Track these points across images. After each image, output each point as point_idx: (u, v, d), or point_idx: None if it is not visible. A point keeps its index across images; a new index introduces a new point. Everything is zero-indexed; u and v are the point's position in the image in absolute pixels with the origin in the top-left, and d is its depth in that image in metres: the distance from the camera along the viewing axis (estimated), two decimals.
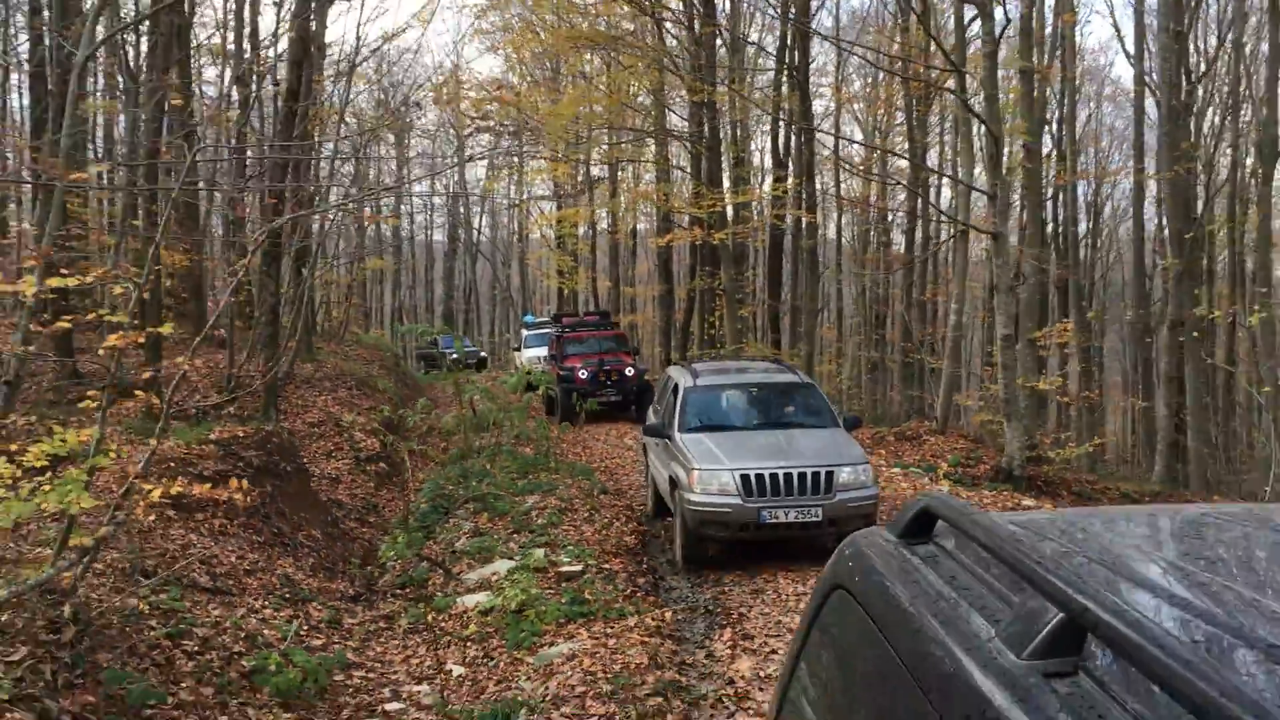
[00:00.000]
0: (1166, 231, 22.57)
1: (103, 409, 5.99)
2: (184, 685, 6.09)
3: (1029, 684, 1.08)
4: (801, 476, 9.66)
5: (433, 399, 24.56)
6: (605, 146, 32.17)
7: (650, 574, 9.82)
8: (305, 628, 8.22)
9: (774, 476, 9.65)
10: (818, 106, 35.30)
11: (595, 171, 39.24)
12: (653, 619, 7.87)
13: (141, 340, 6.62)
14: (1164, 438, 20.71)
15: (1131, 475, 24.03)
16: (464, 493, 13.13)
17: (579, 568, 9.23)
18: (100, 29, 9.05)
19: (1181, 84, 25.14)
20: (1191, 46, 27.82)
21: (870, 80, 35.31)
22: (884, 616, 1.52)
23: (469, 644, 7.94)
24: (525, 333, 29.67)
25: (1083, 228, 37.94)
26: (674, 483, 10.47)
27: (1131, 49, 26.44)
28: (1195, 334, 20.13)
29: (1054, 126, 31.10)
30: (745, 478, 9.66)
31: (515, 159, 40.39)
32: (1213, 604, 1.21)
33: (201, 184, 8.97)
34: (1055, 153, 30.35)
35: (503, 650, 7.61)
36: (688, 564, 10.24)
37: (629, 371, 21.73)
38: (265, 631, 7.60)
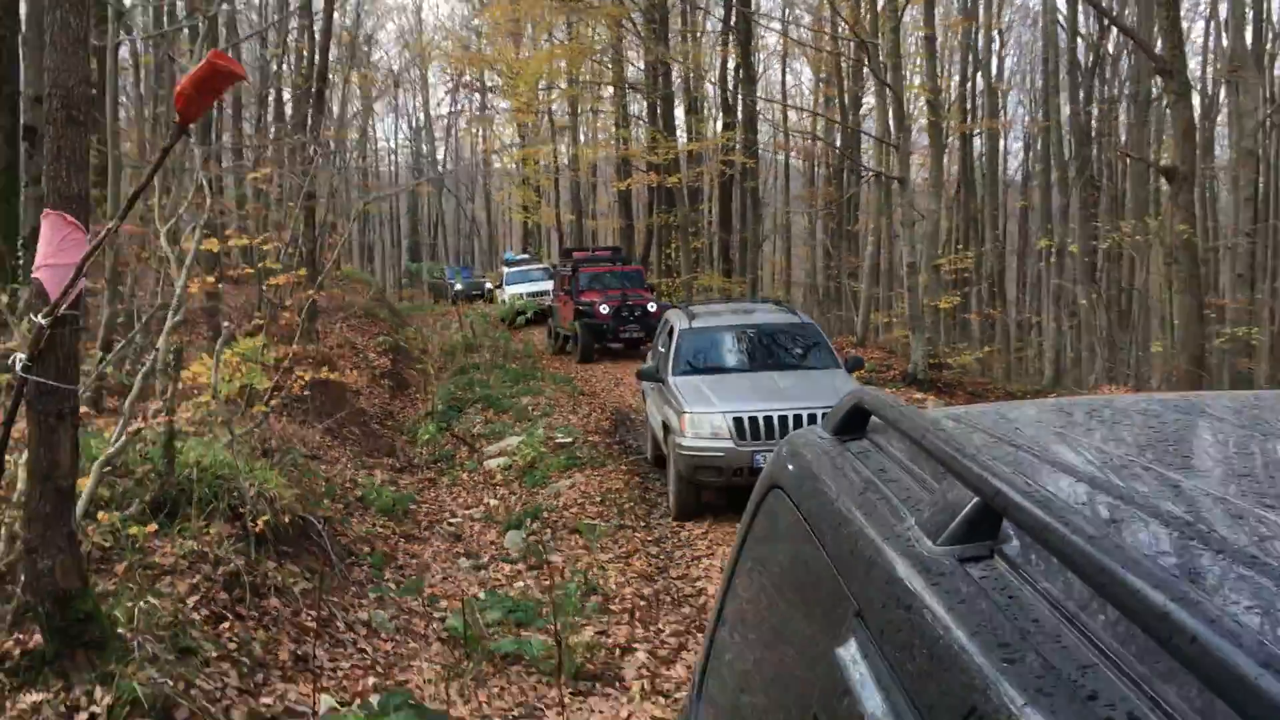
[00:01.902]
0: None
1: (266, 324, 9.26)
2: (326, 503, 9.47)
3: (944, 568, 1.09)
4: (797, 418, 9.18)
5: (420, 325, 27.93)
6: (566, 92, 34.96)
7: (621, 443, 13.25)
8: (380, 481, 11.62)
9: (768, 419, 9.28)
10: (769, 40, 38.47)
11: (559, 120, 41.86)
12: (626, 466, 11.40)
13: (292, 281, 9.90)
14: (1052, 346, 24.47)
15: (1029, 379, 27.79)
16: (471, 396, 16.50)
17: (570, 440, 12.71)
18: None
19: (1087, 34, 28.58)
20: None
21: (816, 20, 38.48)
22: (813, 511, 1.54)
23: (497, 487, 11.40)
24: (506, 269, 32.55)
25: (1015, 161, 41.82)
26: (666, 428, 10.10)
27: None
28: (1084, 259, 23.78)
29: (985, 71, 34.61)
30: (738, 420, 9.30)
31: (480, 113, 42.91)
32: (1128, 484, 1.23)
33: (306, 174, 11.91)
34: (976, 98, 33.73)
35: (523, 488, 11.08)
36: (681, 514, 9.80)
37: (651, 307, 21.62)
38: (358, 479, 10.99)
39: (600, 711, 5.68)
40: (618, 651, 6.47)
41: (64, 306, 4.07)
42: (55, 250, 4.05)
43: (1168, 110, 20.54)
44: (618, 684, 6.07)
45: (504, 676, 6.01)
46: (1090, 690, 0.82)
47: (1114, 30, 34.35)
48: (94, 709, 4.29)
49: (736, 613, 2.00)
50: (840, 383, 9.98)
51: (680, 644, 6.77)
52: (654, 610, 7.33)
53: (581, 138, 42.55)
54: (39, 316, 4.02)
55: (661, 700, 5.87)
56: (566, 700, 5.54)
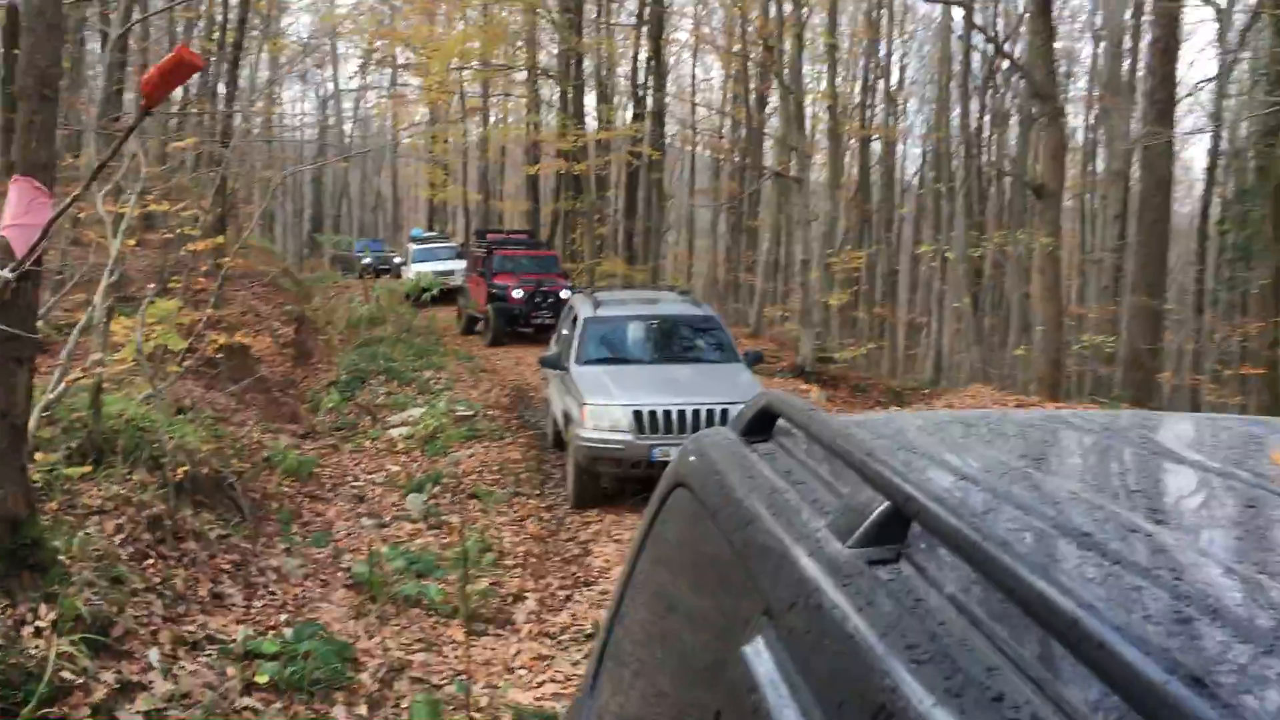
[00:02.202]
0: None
1: (183, 289, 9.66)
2: (235, 462, 9.90)
3: (852, 570, 1.10)
4: (696, 414, 9.32)
5: (324, 296, 28.05)
6: (478, 75, 35.24)
7: (520, 419, 13.89)
8: (285, 445, 12.04)
9: (667, 413, 9.38)
10: (681, 35, 39.34)
11: (470, 101, 42.01)
12: (524, 439, 12.05)
13: (211, 247, 10.25)
14: (933, 345, 25.84)
15: (913, 376, 29.22)
16: (375, 368, 16.91)
17: (471, 413, 13.30)
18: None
19: (981, 50, 30.00)
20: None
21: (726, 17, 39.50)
22: (720, 510, 1.54)
23: (399, 455, 11.94)
24: (413, 247, 32.57)
25: (914, 166, 43.61)
26: (567, 417, 10.18)
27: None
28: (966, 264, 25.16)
29: (886, 77, 36.03)
30: (638, 414, 9.38)
31: (390, 88, 42.81)
32: (1027, 494, 1.26)
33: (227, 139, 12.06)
34: (877, 104, 35.10)
35: (424, 457, 11.64)
36: (579, 503, 9.91)
37: (564, 294, 20.71)
38: (264, 442, 11.40)
39: (492, 649, 6.36)
40: (510, 599, 7.15)
41: (29, 263, 4.57)
42: (23, 211, 4.54)
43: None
44: (508, 626, 6.76)
45: (405, 617, 6.64)
46: (997, 691, 0.83)
47: (1008, 46, 36.18)
48: (39, 623, 4.80)
49: (637, 608, 2.00)
50: (739, 377, 10.26)
51: (567, 596, 7.48)
52: (544, 565, 8.03)
53: (492, 119, 42.80)
54: (5, 270, 4.51)
55: (548, 641, 6.58)
56: (462, 638, 6.19)
